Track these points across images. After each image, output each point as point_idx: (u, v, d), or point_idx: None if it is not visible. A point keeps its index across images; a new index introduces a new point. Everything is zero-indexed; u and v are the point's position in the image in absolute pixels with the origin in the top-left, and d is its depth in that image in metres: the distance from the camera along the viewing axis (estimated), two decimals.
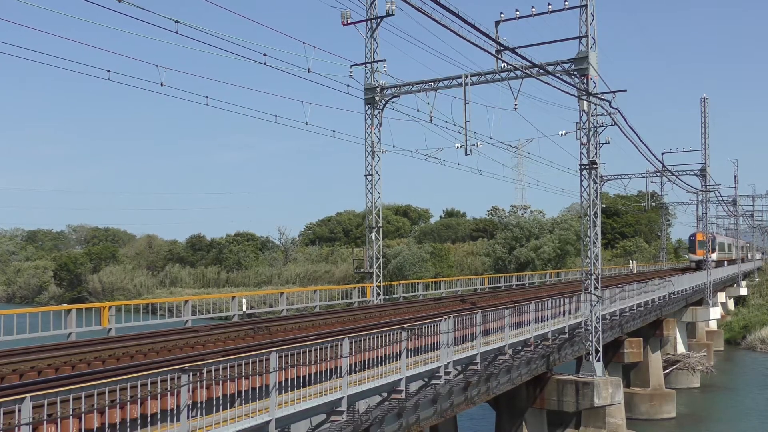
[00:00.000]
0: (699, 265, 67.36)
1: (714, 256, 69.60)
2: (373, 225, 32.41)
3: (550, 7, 26.20)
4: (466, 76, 28.65)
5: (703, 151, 58.80)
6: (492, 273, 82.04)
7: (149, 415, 9.96)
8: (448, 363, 16.72)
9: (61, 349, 16.04)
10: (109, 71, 19.36)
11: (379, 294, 32.58)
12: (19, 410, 7.68)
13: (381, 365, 14.38)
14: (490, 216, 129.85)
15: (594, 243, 26.19)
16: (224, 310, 28.06)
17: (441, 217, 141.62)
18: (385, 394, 14.64)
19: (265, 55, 21.31)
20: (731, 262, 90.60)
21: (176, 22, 16.93)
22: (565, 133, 30.15)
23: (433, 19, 15.85)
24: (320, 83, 20.82)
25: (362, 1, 30.97)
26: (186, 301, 23.65)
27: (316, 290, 31.09)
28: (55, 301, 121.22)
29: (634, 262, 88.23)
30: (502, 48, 22.63)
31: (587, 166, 26.11)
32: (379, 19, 31.16)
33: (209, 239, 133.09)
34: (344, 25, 29.46)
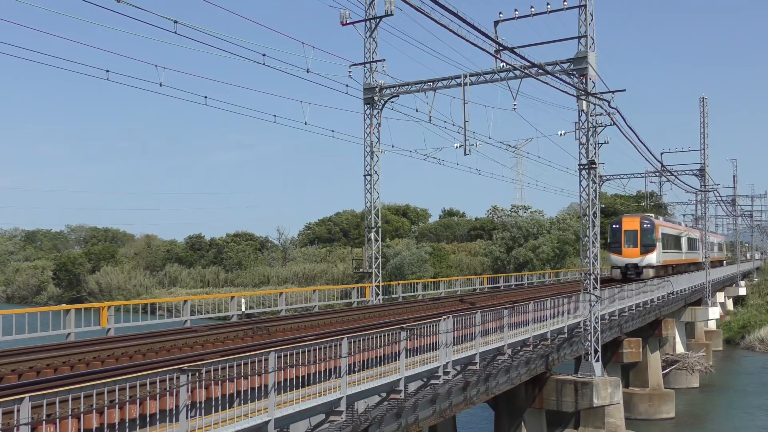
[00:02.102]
0: (627, 275, 44.97)
1: (653, 257, 45.64)
2: (372, 225, 32.41)
3: (549, 7, 26.21)
4: (465, 76, 28.65)
5: (702, 151, 58.84)
6: (491, 273, 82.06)
7: (148, 415, 9.95)
8: (447, 363, 16.71)
9: (59, 349, 16.04)
10: (108, 71, 19.36)
11: (378, 294, 32.57)
12: (18, 410, 7.68)
13: (380, 365, 14.37)
14: (490, 216, 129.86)
15: (593, 243, 26.19)
16: (223, 310, 28.07)
17: (440, 216, 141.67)
18: (384, 394, 14.63)
19: (264, 55, 21.32)
20: (700, 266, 60.89)
21: (175, 22, 16.92)
22: (564, 133, 30.19)
23: (432, 19, 15.85)
24: (319, 83, 20.86)
25: (361, 1, 30.97)
26: (185, 301, 23.64)
27: (315, 290, 31.08)
28: (53, 301, 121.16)
29: None
30: (501, 48, 22.63)
31: (586, 166, 26.11)
32: (378, 19, 31.15)
33: (208, 239, 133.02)
34: (343, 25, 29.45)
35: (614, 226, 46.88)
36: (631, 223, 46.28)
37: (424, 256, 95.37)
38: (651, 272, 45.18)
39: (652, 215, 50.52)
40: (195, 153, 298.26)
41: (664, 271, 48.92)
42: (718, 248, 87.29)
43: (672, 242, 51.69)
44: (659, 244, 46.39)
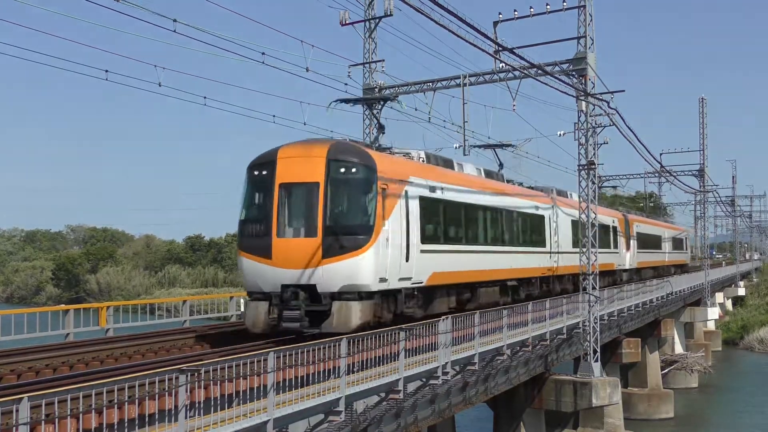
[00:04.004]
0: (284, 319, 16.81)
1: (368, 265, 16.98)
2: None
3: (548, 7, 26.19)
4: (465, 77, 28.64)
5: (702, 152, 58.83)
6: None
7: (147, 415, 9.96)
8: (446, 363, 16.71)
9: (59, 349, 16.06)
10: (107, 71, 19.31)
11: None
12: (17, 411, 7.67)
13: (379, 365, 14.38)
14: None
15: (592, 243, 26.17)
16: (222, 311, 28.05)
17: None
18: (383, 394, 14.63)
19: (263, 53, 21.27)
20: (618, 276, 40.79)
21: (174, 21, 16.88)
22: (564, 134, 30.16)
23: (432, 20, 15.84)
24: (319, 82, 20.80)
25: (360, 2, 30.95)
26: (184, 302, 23.65)
27: None
28: (53, 302, 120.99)
29: None
30: (500, 48, 22.61)
31: (585, 167, 26.11)
32: (377, 20, 31.14)
33: (208, 239, 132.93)
34: (342, 25, 29.42)
35: (258, 173, 18.18)
36: (301, 164, 17.71)
37: None
38: (357, 317, 16.73)
39: (373, 148, 20.70)
40: (194, 153, 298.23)
41: (427, 304, 20.22)
42: (674, 245, 61.31)
43: (478, 222, 24.04)
44: (393, 229, 18.04)
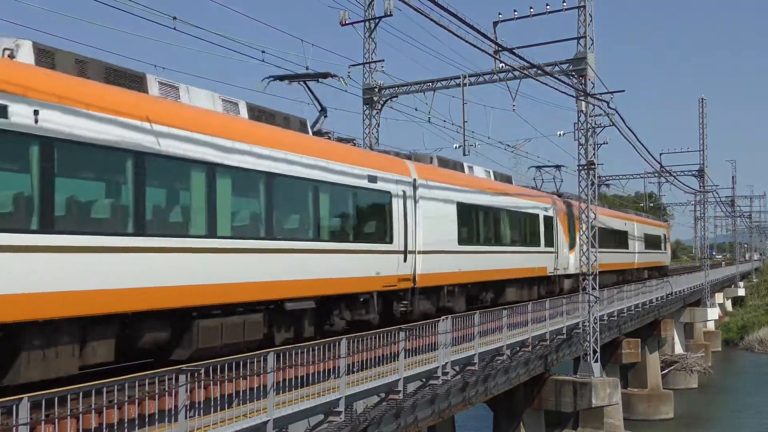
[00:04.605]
0: None
1: None
2: None
3: (548, 7, 26.22)
4: (465, 77, 28.66)
5: (701, 152, 58.93)
6: None
7: (147, 415, 9.95)
8: (446, 363, 16.71)
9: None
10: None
11: None
12: (17, 411, 7.65)
13: (379, 366, 14.37)
14: None
15: (592, 243, 26.18)
16: None
17: None
18: (382, 395, 14.63)
19: (263, 52, 21.24)
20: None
21: (174, 18, 16.84)
22: (563, 134, 30.21)
23: (431, 20, 15.85)
24: (319, 81, 20.75)
25: (360, 2, 30.96)
26: None
27: None
28: None
29: None
30: (500, 48, 22.63)
31: (585, 167, 26.13)
32: (377, 20, 31.15)
33: None
34: (342, 25, 29.44)
35: None
36: None
37: None
38: None
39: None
40: None
41: None
42: (647, 242, 49.97)
43: (204, 196, 12.78)
44: None
